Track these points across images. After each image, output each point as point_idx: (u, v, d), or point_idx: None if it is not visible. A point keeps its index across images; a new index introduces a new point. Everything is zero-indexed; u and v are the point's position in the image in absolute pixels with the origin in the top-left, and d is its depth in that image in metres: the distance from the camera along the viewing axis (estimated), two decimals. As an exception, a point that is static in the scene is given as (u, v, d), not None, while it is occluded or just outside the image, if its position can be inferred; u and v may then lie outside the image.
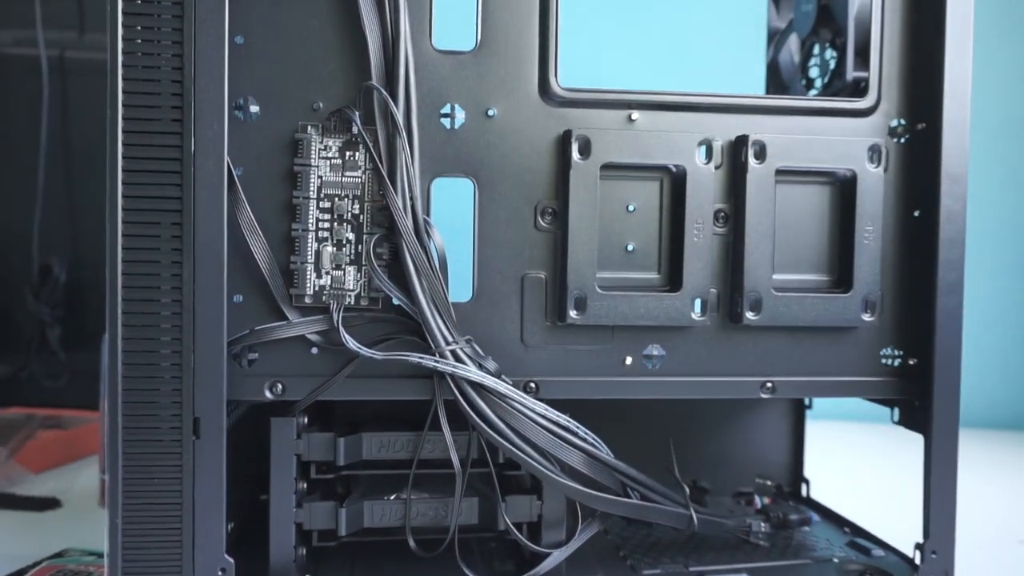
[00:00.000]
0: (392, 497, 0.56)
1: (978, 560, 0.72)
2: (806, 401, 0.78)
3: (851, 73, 0.62)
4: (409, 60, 0.52)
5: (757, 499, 0.73)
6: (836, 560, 0.62)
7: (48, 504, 0.80)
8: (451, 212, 0.58)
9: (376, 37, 0.52)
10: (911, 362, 0.58)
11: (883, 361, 0.59)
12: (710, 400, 0.76)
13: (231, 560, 0.51)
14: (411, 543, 0.55)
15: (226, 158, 0.50)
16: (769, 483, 0.75)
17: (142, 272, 0.50)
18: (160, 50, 0.49)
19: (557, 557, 0.55)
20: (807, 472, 0.78)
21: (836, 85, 0.66)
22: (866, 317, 0.56)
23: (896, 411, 0.62)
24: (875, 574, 0.60)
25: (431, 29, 0.54)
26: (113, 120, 0.49)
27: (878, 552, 0.63)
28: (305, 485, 0.56)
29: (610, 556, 0.62)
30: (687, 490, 0.60)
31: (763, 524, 0.64)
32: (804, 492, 0.78)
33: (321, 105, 0.53)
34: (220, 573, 0.51)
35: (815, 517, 0.70)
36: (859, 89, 0.60)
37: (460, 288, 0.55)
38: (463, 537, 0.57)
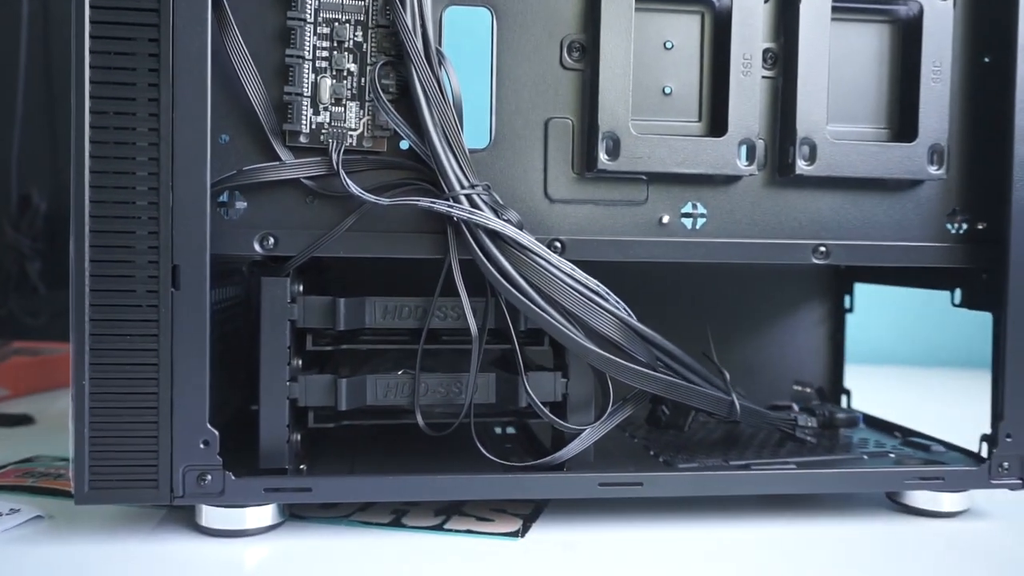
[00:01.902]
0: (399, 372, 0.50)
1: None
2: (846, 303, 0.72)
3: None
4: None
5: (795, 408, 0.67)
6: (892, 455, 0.56)
7: (21, 420, 0.74)
8: (466, 49, 0.52)
9: None
10: (979, 226, 0.52)
11: (948, 226, 0.52)
12: (741, 300, 0.71)
13: (214, 432, 0.45)
14: (420, 421, 0.48)
15: (209, -27, 0.44)
16: (808, 390, 0.68)
17: (113, 96, 0.43)
18: None
19: (586, 438, 0.49)
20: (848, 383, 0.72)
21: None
22: (933, 169, 0.50)
23: (958, 292, 0.56)
24: (938, 468, 0.53)
25: None
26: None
27: (937, 448, 0.57)
28: (300, 362, 0.50)
29: (640, 455, 0.56)
30: (727, 375, 0.54)
31: (810, 419, 0.58)
32: (845, 404, 0.71)
33: (319, -82, 0.46)
34: (202, 446, 0.44)
35: (860, 416, 0.64)
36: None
37: (476, 134, 0.49)
38: (480, 426, 0.50)
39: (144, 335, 0.44)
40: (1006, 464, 0.51)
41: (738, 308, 0.71)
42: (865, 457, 0.55)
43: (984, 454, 0.52)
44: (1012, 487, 0.51)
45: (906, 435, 0.62)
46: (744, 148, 0.49)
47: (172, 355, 0.44)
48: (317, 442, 0.53)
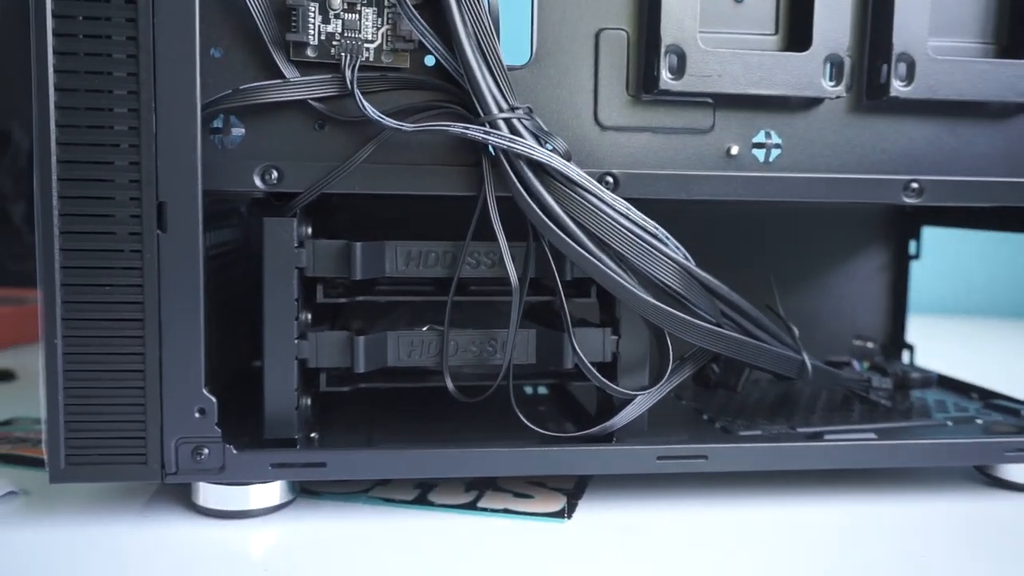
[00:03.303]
0: (425, 328, 0.43)
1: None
2: (911, 249, 0.65)
3: None
4: None
5: (856, 365, 0.60)
6: (980, 421, 0.49)
7: (1, 376, 0.68)
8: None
9: None
10: (1098, 162, 0.45)
11: (1060, 158, 0.45)
12: (794, 242, 0.64)
13: (212, 398, 0.38)
14: (450, 385, 0.42)
15: None
16: (870, 344, 0.62)
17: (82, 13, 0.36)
18: None
19: (640, 404, 0.42)
20: (910, 338, 0.66)
21: None
22: (1050, 92, 0.43)
23: (1057, 236, 0.49)
24: (1032, 434, 0.47)
25: None
26: None
27: (1028, 411, 0.51)
28: (309, 316, 0.43)
29: (693, 420, 0.49)
30: (795, 331, 0.47)
31: (884, 379, 0.51)
32: (907, 360, 0.65)
33: None
34: (198, 415, 0.38)
35: (935, 375, 0.58)
36: None
37: (514, 47, 0.41)
38: (505, 388, 0.43)
39: (126, 285, 0.37)
40: (1119, 433, 0.45)
41: (791, 250, 0.64)
42: (949, 423, 0.49)
43: (1085, 419, 0.46)
44: (1124, 458, 0.45)
45: (985, 397, 0.55)
46: (830, 65, 0.41)
47: (160, 309, 0.37)
48: (329, 407, 0.47)
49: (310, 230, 0.42)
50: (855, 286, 0.65)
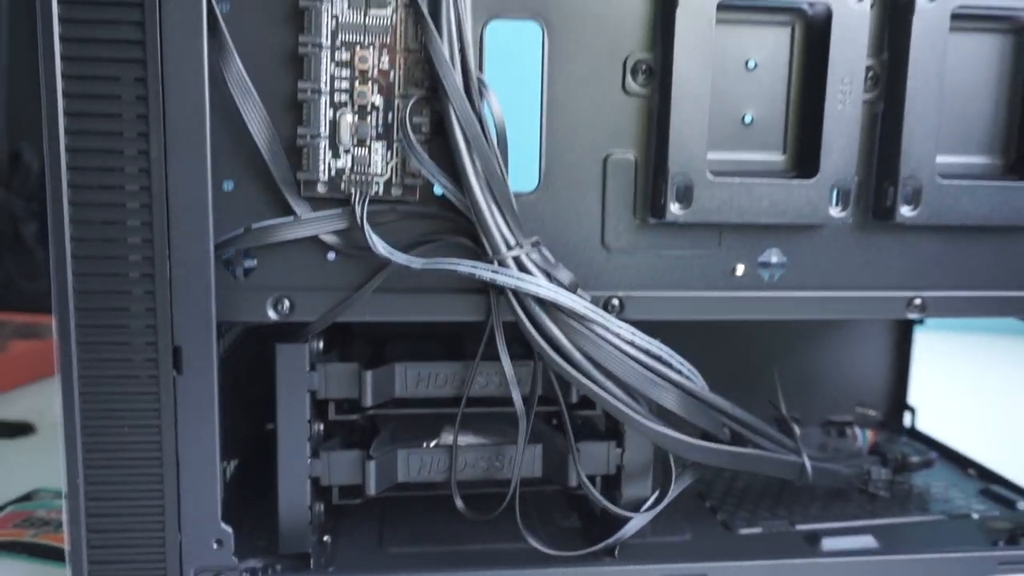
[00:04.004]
0: (433, 443, 0.44)
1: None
2: (917, 315, 0.65)
3: None
4: None
5: (858, 433, 0.61)
6: (975, 516, 0.51)
7: (20, 429, 0.69)
8: (511, 66, 0.44)
9: None
10: (1102, 273, 0.45)
11: (1064, 271, 0.45)
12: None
13: (228, 529, 0.39)
14: (458, 504, 0.43)
15: (204, -12, 0.36)
16: (872, 413, 0.63)
17: (95, 148, 0.36)
18: None
19: (639, 522, 0.43)
20: (912, 398, 0.66)
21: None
22: (1056, 214, 0.43)
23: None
24: (1030, 540, 0.48)
25: None
26: (40, -72, 0.34)
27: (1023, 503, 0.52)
28: (322, 426, 0.44)
29: (696, 508, 0.51)
30: (797, 431, 0.48)
31: (883, 470, 0.52)
32: (908, 422, 0.66)
33: (336, -84, 0.38)
34: (216, 546, 0.39)
35: (934, 455, 0.59)
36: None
37: (522, 174, 0.41)
38: (525, 494, 0.45)
39: (144, 425, 0.38)
40: (1112, 543, 0.46)
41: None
42: (945, 518, 0.50)
43: (1079, 517, 0.47)
44: (1116, 568, 0.46)
45: (983, 476, 0.56)
46: (837, 191, 0.41)
47: (177, 447, 0.38)
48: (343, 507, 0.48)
49: (322, 344, 0.43)
50: (859, 347, 0.66)
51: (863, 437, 0.61)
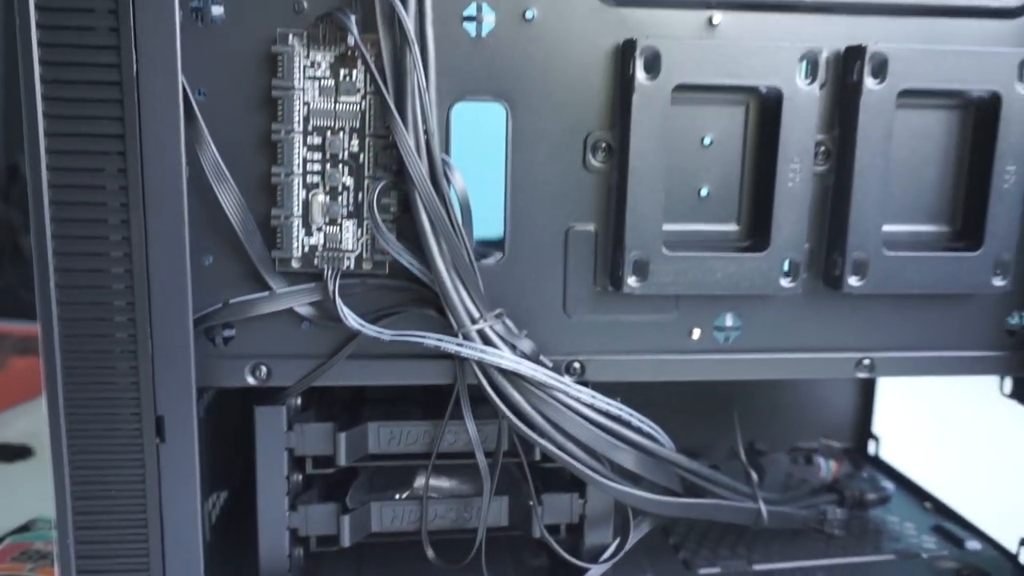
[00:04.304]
0: (405, 495, 0.47)
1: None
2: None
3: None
4: (421, -56, 0.39)
5: (822, 463, 0.64)
6: (925, 556, 0.53)
7: (18, 453, 0.72)
8: (478, 141, 0.46)
9: (376, -89, 0.38)
10: (1042, 331, 0.48)
11: (1008, 330, 0.47)
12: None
13: (210, 584, 0.42)
14: (429, 553, 0.46)
15: (180, 78, 0.38)
16: (836, 444, 0.65)
17: (79, 235, 0.38)
18: (82, -68, 0.36)
19: (597, 572, 0.46)
20: (877, 427, 0.69)
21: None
22: (997, 282, 0.45)
23: (1008, 382, 0.51)
24: (973, 573, 0.51)
25: (450, -101, 0.40)
26: (24, 29, 0.36)
27: (973, 544, 0.54)
28: (300, 477, 0.47)
29: (660, 546, 0.53)
30: (755, 478, 0.51)
31: (838, 510, 0.55)
32: (872, 450, 0.68)
33: (306, 6, 0.40)
34: (199, 600, 0.42)
35: (891, 489, 0.61)
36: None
37: (488, 229, 0.44)
38: (495, 537, 0.47)
39: (130, 491, 0.40)
40: (1048, 589, 0.48)
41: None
42: (894, 557, 0.53)
43: (1023, 559, 0.50)
44: (1052, 611, 0.49)
45: (939, 510, 0.59)
46: (788, 264, 0.43)
47: (161, 512, 0.41)
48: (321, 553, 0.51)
49: (299, 400, 0.45)
50: (825, 380, 0.68)
51: (827, 468, 0.64)
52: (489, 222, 0.44)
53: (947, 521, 0.58)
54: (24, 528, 0.59)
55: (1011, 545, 0.53)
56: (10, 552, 0.56)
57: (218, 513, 0.51)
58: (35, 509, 0.62)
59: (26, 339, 0.94)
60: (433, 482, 0.48)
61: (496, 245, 0.44)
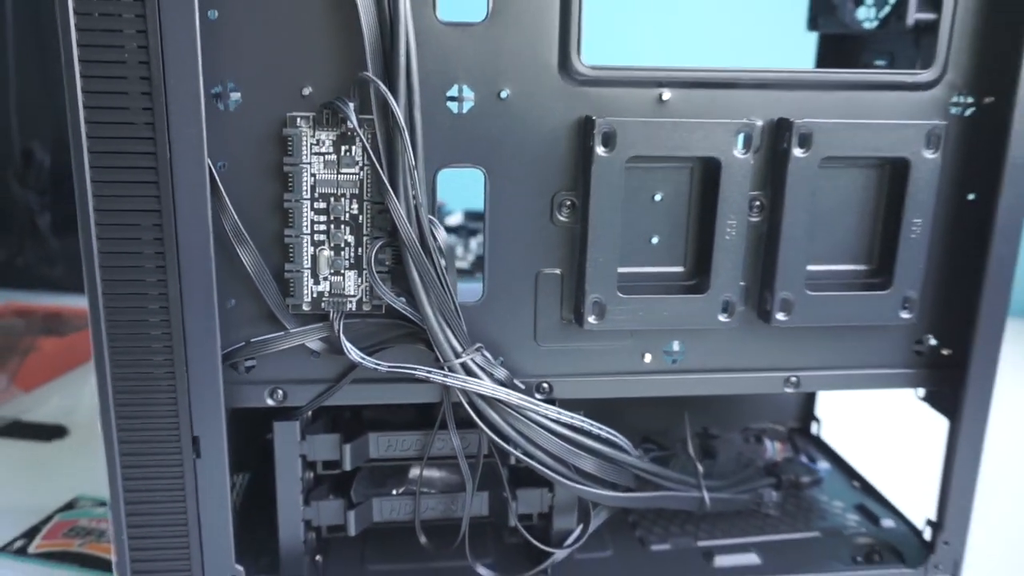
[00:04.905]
0: (401, 491, 0.55)
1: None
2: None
3: (913, 15, 0.54)
4: (410, 41, 0.45)
5: (769, 444, 0.72)
6: (846, 533, 0.62)
7: (54, 433, 0.80)
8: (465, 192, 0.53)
9: (370, 11, 0.44)
10: (944, 352, 0.55)
11: (916, 351, 0.55)
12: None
13: (240, 568, 0.51)
14: (421, 539, 0.54)
15: (206, 160, 0.45)
16: (780, 427, 0.74)
17: (125, 292, 0.46)
18: (123, 40, 0.42)
19: (562, 555, 0.55)
20: (819, 410, 0.77)
21: (892, 26, 0.58)
22: (904, 315, 0.52)
23: (921, 390, 0.60)
24: (884, 550, 0.60)
25: (435, -3, 0.46)
26: (75, 125, 0.43)
27: (888, 522, 0.63)
28: (312, 475, 0.55)
29: (620, 524, 0.62)
30: (701, 470, 0.59)
31: (774, 493, 0.64)
32: (815, 431, 0.77)
33: (311, 90, 0.46)
34: (231, 579, 0.51)
35: (824, 471, 0.70)
36: (920, 31, 0.53)
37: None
38: (478, 523, 0.56)
39: (173, 499, 0.49)
40: (940, 565, 0.57)
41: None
42: (819, 534, 0.62)
43: (928, 536, 0.58)
44: (944, 582, 0.58)
45: (865, 490, 0.68)
46: (724, 303, 0.51)
47: (199, 513, 0.49)
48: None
49: (310, 415, 0.54)
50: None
51: (773, 448, 0.72)
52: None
53: (870, 500, 0.67)
54: (68, 506, 0.68)
55: (921, 524, 0.62)
56: (60, 529, 0.64)
57: (242, 493, 0.60)
58: (76, 487, 0.70)
59: (50, 317, 1.02)
60: (425, 478, 0.56)
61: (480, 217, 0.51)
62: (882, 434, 0.78)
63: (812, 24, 0.69)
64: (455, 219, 1.25)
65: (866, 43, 0.64)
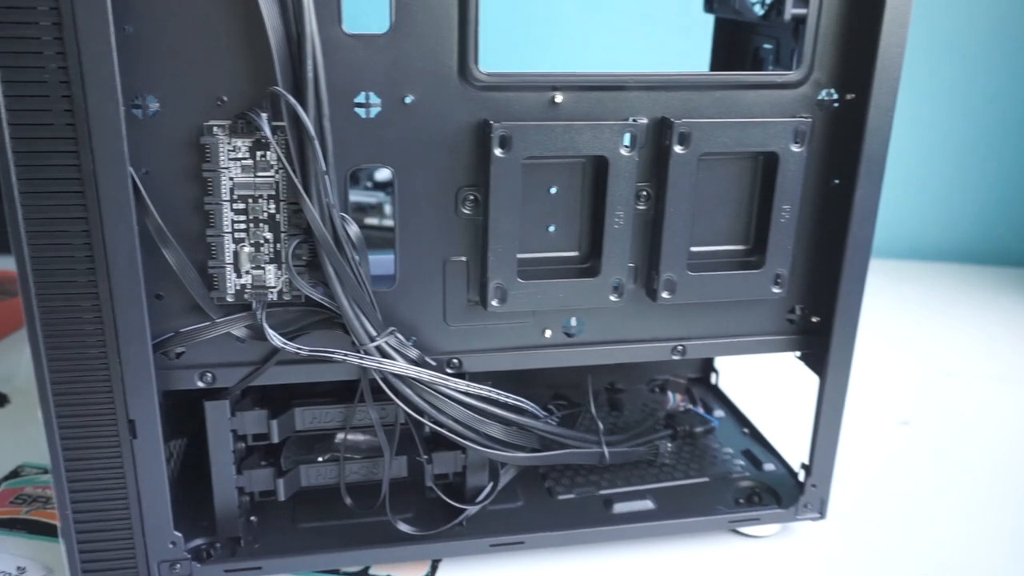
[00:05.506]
0: (326, 457, 0.61)
1: (857, 441, 0.82)
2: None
3: (790, 11, 0.59)
4: (317, 54, 0.48)
5: (670, 395, 0.79)
6: (732, 476, 0.70)
7: (-3, 401, 0.83)
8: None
9: (277, 26, 0.48)
10: (813, 319, 0.62)
11: (788, 319, 0.62)
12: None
13: (179, 534, 0.56)
14: (347, 500, 0.60)
15: (128, 168, 0.48)
16: (682, 380, 0.80)
17: (57, 292, 0.49)
18: (43, 62, 0.45)
19: (473, 510, 0.61)
20: (717, 362, 0.85)
21: (774, 18, 0.63)
22: (776, 290, 0.59)
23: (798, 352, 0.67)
24: (763, 492, 0.68)
25: (340, 11, 0.49)
26: (0, 144, 0.46)
27: (769, 466, 0.71)
28: (244, 445, 0.60)
29: (532, 476, 0.68)
30: (601, 426, 0.65)
31: (669, 444, 0.70)
32: (713, 380, 0.84)
33: (226, 99, 0.49)
34: (171, 546, 0.56)
35: (718, 421, 0.77)
36: (797, 23, 0.58)
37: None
38: (401, 482, 0.62)
39: (113, 477, 0.53)
40: (808, 505, 0.65)
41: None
42: (708, 480, 0.69)
43: (802, 479, 0.66)
44: (812, 519, 0.66)
45: (754, 436, 0.75)
46: (615, 284, 0.56)
47: (138, 489, 0.54)
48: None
49: (240, 392, 0.58)
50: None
51: (674, 398, 0.79)
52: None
53: (756, 445, 0.74)
54: (14, 474, 0.72)
55: (797, 467, 0.69)
56: (6, 497, 0.68)
57: (180, 458, 0.65)
58: (20, 456, 0.74)
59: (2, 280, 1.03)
60: (350, 444, 0.61)
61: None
62: (776, 383, 0.86)
63: (708, 7, 0.73)
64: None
65: (756, 28, 0.69)
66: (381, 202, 1.13)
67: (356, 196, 1.08)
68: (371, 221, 1.10)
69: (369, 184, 1.18)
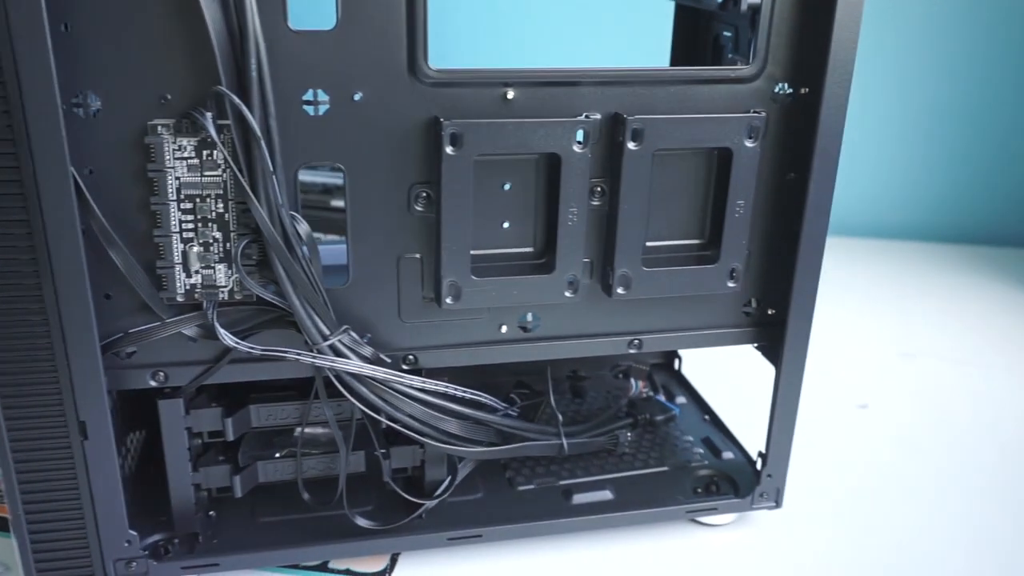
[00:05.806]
0: (283, 453, 0.61)
1: (815, 427, 0.82)
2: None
3: (747, 1, 0.59)
4: (261, 51, 0.47)
5: (632, 382, 0.79)
6: (692, 465, 0.70)
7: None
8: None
9: (218, 22, 0.47)
10: (769, 312, 0.62)
11: (744, 312, 0.62)
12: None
13: (134, 533, 0.56)
14: (305, 496, 0.60)
15: (70, 168, 0.47)
16: (644, 367, 0.81)
17: (2, 296, 0.48)
18: (-27, 60, 0.44)
19: (431, 504, 0.61)
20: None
21: (731, 9, 0.63)
22: (731, 284, 0.59)
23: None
24: (721, 481, 0.68)
25: (285, 6, 0.48)
26: (-65, 144, 0.45)
27: (728, 455, 0.72)
28: (200, 442, 0.60)
29: (493, 468, 0.69)
30: (560, 418, 0.66)
31: (628, 434, 0.71)
32: (676, 366, 0.85)
33: (170, 97, 0.49)
34: (126, 544, 0.56)
35: (679, 408, 0.78)
36: (753, 13, 0.58)
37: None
38: (359, 476, 0.62)
39: (65, 477, 0.53)
40: (764, 494, 0.66)
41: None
42: (667, 469, 0.70)
43: (759, 467, 0.67)
44: (768, 508, 0.67)
45: (714, 423, 0.76)
46: (569, 281, 0.56)
47: (91, 489, 0.54)
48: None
49: (195, 389, 0.58)
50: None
51: (636, 385, 0.80)
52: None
53: (716, 433, 0.75)
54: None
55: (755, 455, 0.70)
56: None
57: (138, 451, 0.65)
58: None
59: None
60: (307, 440, 0.61)
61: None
62: (740, 369, 0.86)
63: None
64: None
65: (715, 15, 0.69)
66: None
67: (323, 178, 1.07)
68: (338, 204, 1.09)
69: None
